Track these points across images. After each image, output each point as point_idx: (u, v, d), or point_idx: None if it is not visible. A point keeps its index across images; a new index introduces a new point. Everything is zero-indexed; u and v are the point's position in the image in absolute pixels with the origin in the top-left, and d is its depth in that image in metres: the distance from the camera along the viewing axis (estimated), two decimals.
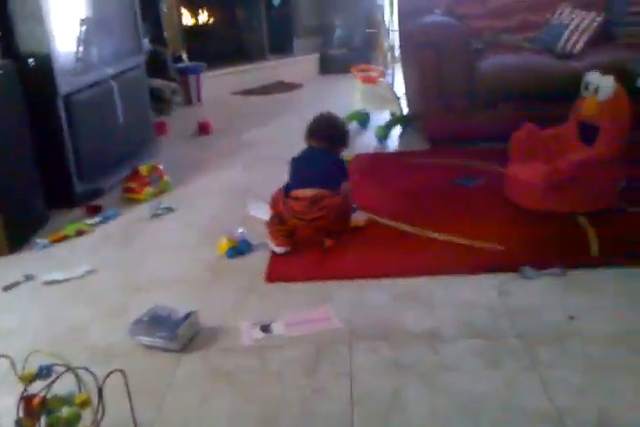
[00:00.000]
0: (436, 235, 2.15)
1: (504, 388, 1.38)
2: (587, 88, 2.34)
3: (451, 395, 1.37)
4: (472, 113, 3.05)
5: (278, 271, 2.00)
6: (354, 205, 2.27)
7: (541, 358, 1.47)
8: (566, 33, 3.21)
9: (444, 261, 1.97)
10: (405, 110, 3.61)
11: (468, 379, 1.42)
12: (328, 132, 2.24)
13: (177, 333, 1.58)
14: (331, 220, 2.06)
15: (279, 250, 2.10)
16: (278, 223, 2.10)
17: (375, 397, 1.38)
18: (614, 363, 1.44)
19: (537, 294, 1.75)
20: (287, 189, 2.10)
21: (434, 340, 1.58)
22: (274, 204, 2.12)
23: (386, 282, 1.88)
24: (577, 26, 3.22)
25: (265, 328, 1.68)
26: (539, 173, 2.23)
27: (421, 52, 3.05)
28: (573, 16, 3.28)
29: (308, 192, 2.05)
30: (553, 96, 2.89)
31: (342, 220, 2.13)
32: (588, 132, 2.34)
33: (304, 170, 2.16)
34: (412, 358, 1.51)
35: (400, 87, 3.75)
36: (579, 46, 3.17)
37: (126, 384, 1.19)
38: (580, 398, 1.33)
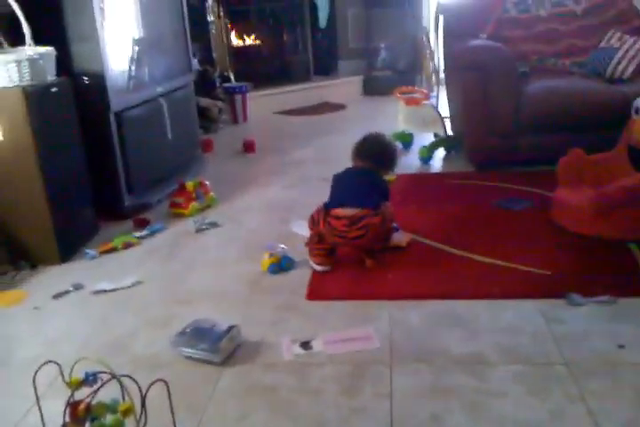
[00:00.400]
0: (480, 257, 2.13)
1: (549, 417, 1.35)
2: (637, 112, 2.30)
3: (492, 422, 1.34)
4: (517, 137, 3.02)
5: (319, 289, 2.00)
6: (395, 225, 2.26)
7: (589, 388, 1.43)
8: (616, 58, 3.17)
9: (488, 284, 1.94)
10: (449, 132, 3.60)
11: (512, 406, 1.39)
12: (376, 154, 2.23)
13: (219, 345, 1.59)
14: (370, 239, 2.06)
15: (320, 268, 2.10)
16: (318, 242, 2.11)
17: (415, 420, 1.36)
18: None
19: (584, 322, 1.71)
20: (327, 207, 2.10)
21: (476, 364, 1.55)
22: (312, 223, 2.13)
23: (427, 304, 1.86)
24: (626, 51, 3.17)
25: (305, 345, 1.68)
26: (588, 198, 2.19)
27: (467, 74, 3.05)
28: (622, 42, 3.24)
29: (348, 211, 2.05)
30: (601, 121, 2.85)
31: (382, 239, 2.12)
32: (638, 157, 2.29)
33: (345, 188, 2.17)
34: (453, 382, 1.49)
35: (444, 109, 3.75)
36: (628, 72, 3.12)
37: (169, 394, 1.21)
38: None
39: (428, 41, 4.02)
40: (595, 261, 2.05)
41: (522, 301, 1.84)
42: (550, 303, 1.81)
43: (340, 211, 2.06)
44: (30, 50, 2.21)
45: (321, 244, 2.11)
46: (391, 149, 2.28)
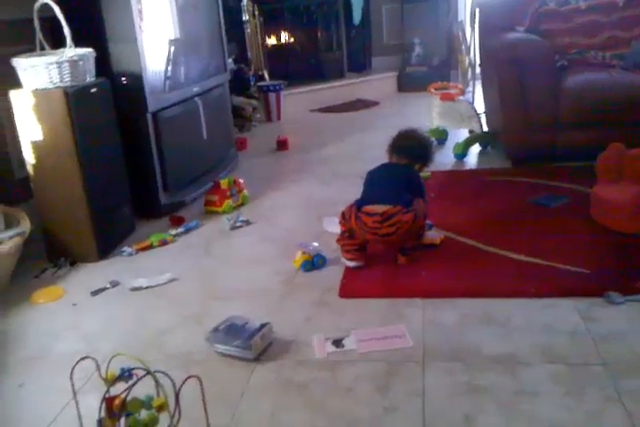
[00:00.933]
0: (515, 255, 2.09)
1: (585, 418, 1.32)
2: None
3: (528, 422, 1.32)
4: (555, 132, 2.96)
5: (351, 287, 2.00)
6: (429, 222, 2.24)
7: (627, 389, 1.39)
8: None
9: (523, 282, 1.91)
10: (485, 128, 3.55)
11: (547, 406, 1.36)
12: (411, 148, 2.22)
13: (252, 342, 1.61)
14: (401, 236, 2.04)
15: (352, 264, 2.10)
16: (349, 238, 2.11)
17: (448, 419, 1.35)
18: None
19: (623, 321, 1.66)
20: (360, 204, 2.09)
21: (511, 364, 1.53)
22: (344, 219, 2.12)
23: (461, 302, 1.84)
24: None
25: (337, 343, 1.68)
26: (628, 193, 2.13)
27: (503, 68, 2.99)
28: None
29: (379, 208, 2.03)
30: None
31: (414, 236, 2.10)
32: None
33: (378, 185, 2.16)
34: (487, 381, 1.47)
35: (480, 105, 3.70)
36: None
37: (202, 390, 1.22)
38: None
39: (464, 35, 3.96)
40: (634, 259, 1.99)
41: (558, 299, 1.80)
42: (588, 302, 1.77)
43: (371, 208, 2.05)
44: (71, 51, 2.26)
45: (352, 239, 2.10)
46: (427, 143, 2.26)
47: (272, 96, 4.73)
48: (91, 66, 2.36)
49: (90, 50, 2.35)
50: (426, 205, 2.19)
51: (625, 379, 1.42)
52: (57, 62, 2.19)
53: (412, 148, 2.22)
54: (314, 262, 2.14)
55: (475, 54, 3.85)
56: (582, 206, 2.38)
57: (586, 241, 2.17)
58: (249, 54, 4.93)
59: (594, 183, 2.36)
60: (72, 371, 1.21)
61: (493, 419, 1.34)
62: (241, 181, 2.90)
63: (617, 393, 1.38)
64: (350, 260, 2.11)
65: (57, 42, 2.39)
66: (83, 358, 1.25)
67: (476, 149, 3.51)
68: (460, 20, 5.33)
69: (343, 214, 2.12)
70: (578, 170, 2.84)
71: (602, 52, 3.28)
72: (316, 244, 2.19)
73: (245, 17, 4.88)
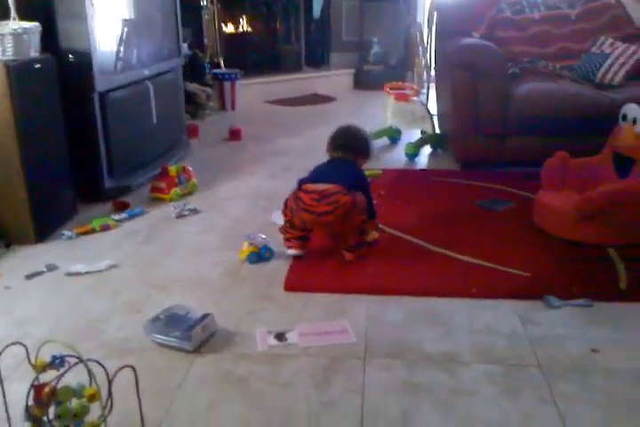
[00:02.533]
0: (460, 256, 2.12)
1: (519, 418, 1.35)
2: (624, 118, 2.31)
3: (463, 421, 1.34)
4: (504, 138, 3.02)
5: (297, 280, 1.98)
6: (379, 226, 2.26)
7: (561, 391, 1.43)
8: (606, 64, 3.17)
9: (466, 283, 1.94)
10: (437, 130, 3.60)
11: (483, 406, 1.39)
12: (351, 143, 2.23)
13: (192, 333, 1.57)
14: (339, 217, 2.02)
15: (291, 252, 2.11)
16: (290, 227, 2.11)
17: (385, 416, 1.36)
18: (637, 400, 1.40)
19: (560, 324, 1.71)
20: (301, 182, 2.10)
21: (450, 363, 1.55)
22: (285, 207, 2.12)
23: (405, 300, 1.86)
24: (617, 57, 3.18)
25: (279, 336, 1.66)
26: (570, 201, 2.20)
27: (457, 73, 3.04)
28: (614, 48, 3.25)
29: (319, 186, 2.05)
30: (588, 126, 2.86)
31: (355, 230, 2.08)
32: (622, 164, 2.30)
33: (322, 170, 2.16)
34: (426, 379, 1.48)
35: (433, 107, 3.74)
36: (618, 78, 3.13)
37: (136, 381, 1.18)
38: None
39: (421, 37, 4.00)
40: (573, 265, 2.05)
41: (499, 301, 1.84)
42: (527, 305, 1.81)
43: (310, 185, 2.06)
44: (14, 24, 2.15)
45: (293, 229, 2.10)
46: (364, 137, 2.28)
47: (227, 85, 4.66)
48: (36, 41, 2.25)
49: (36, 24, 2.24)
50: (373, 206, 2.21)
51: (559, 381, 1.46)
52: None
53: (353, 143, 2.24)
54: (260, 254, 2.11)
55: (431, 56, 3.89)
56: (526, 212, 2.44)
57: (528, 245, 2.22)
58: (205, 41, 4.83)
59: (538, 190, 2.42)
60: None
61: (430, 416, 1.35)
62: (190, 168, 2.84)
63: (551, 395, 1.41)
64: (290, 248, 2.11)
65: (0, 14, 2.27)
66: (11, 344, 1.19)
67: (427, 149, 3.55)
68: (418, 21, 5.40)
69: (285, 204, 2.12)
70: (524, 176, 2.91)
71: (553, 63, 3.37)
72: (263, 236, 2.16)
73: (203, 2, 4.78)
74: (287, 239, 2.13)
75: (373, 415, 1.36)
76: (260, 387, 1.46)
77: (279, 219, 2.36)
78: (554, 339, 1.64)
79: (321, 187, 2.04)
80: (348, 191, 2.04)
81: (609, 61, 3.18)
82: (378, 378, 1.49)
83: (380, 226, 2.31)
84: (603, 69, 3.17)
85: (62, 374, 1.13)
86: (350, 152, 2.22)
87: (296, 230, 2.10)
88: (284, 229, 2.14)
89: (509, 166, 3.07)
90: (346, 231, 2.08)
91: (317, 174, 2.14)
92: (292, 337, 1.66)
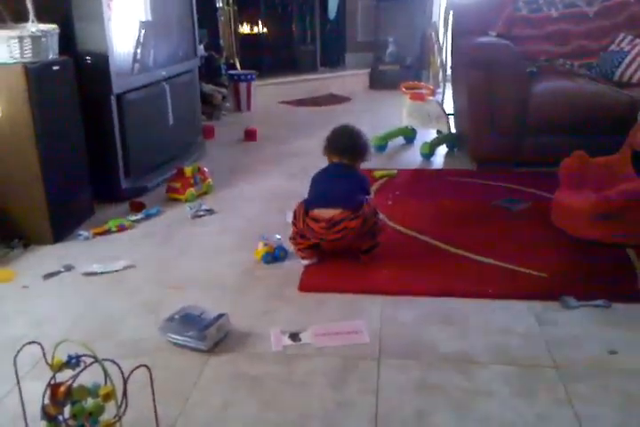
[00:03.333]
0: (476, 256, 2.11)
1: (535, 419, 1.33)
2: None
3: (478, 421, 1.33)
4: (521, 137, 3.00)
5: (311, 281, 1.98)
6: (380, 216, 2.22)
7: (577, 392, 1.41)
8: (625, 61, 3.14)
9: (482, 283, 1.93)
10: (453, 129, 3.58)
11: (498, 406, 1.37)
12: (349, 147, 2.17)
13: (206, 333, 1.58)
14: (349, 241, 2.03)
15: (306, 262, 2.09)
16: (301, 237, 2.09)
17: (400, 416, 1.35)
18: None
19: (577, 325, 1.69)
20: (308, 206, 2.06)
21: (465, 363, 1.54)
22: (295, 219, 2.09)
23: (420, 300, 1.85)
24: (636, 55, 3.14)
25: (294, 336, 1.66)
26: (588, 201, 2.17)
27: (473, 71, 3.02)
28: (633, 45, 3.20)
29: (326, 213, 2.00)
30: (606, 125, 2.83)
31: (367, 238, 2.07)
32: None
33: (325, 187, 2.11)
34: (440, 379, 1.47)
35: (449, 106, 3.72)
36: (637, 76, 3.09)
37: (151, 380, 1.19)
38: None
39: (437, 37, 3.99)
40: (591, 265, 2.03)
41: (515, 301, 1.82)
42: (544, 305, 1.79)
43: (317, 213, 2.02)
44: (33, 26, 2.18)
45: (304, 239, 2.09)
46: (362, 140, 2.21)
47: (243, 86, 4.68)
48: (54, 43, 2.27)
49: (54, 26, 2.27)
50: (374, 203, 2.16)
51: (576, 382, 1.45)
52: (18, 37, 2.11)
53: (349, 146, 2.17)
54: (275, 255, 2.11)
55: (447, 56, 3.87)
56: (543, 211, 2.41)
57: (545, 245, 2.20)
58: (221, 42, 4.86)
59: (556, 189, 2.40)
60: (16, 356, 1.16)
61: (445, 417, 1.34)
62: (206, 169, 2.86)
63: (567, 396, 1.40)
64: (304, 258, 2.10)
65: (19, 16, 2.30)
66: (28, 343, 1.20)
67: (443, 149, 3.53)
68: (434, 21, 5.38)
69: (294, 214, 2.10)
70: (541, 175, 2.88)
71: (571, 61, 3.34)
72: (278, 236, 2.17)
73: (219, 4, 4.81)
74: (299, 249, 2.10)
75: (388, 416, 1.35)
76: (274, 387, 1.46)
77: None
78: (571, 340, 1.62)
79: (328, 214, 2.00)
80: (356, 212, 2.00)
81: (628, 59, 3.14)
82: (392, 378, 1.48)
83: (393, 224, 2.28)
84: (622, 67, 3.14)
85: (78, 374, 1.14)
86: (351, 157, 2.16)
87: (307, 240, 2.09)
88: (294, 240, 2.12)
89: (526, 166, 3.04)
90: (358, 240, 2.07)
91: (321, 194, 2.08)
92: (306, 337, 1.66)
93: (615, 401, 1.38)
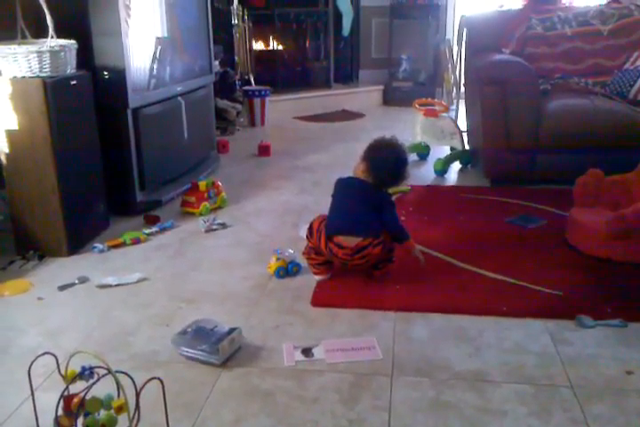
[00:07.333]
0: (490, 274, 2.10)
1: None
2: None
3: None
4: (535, 154, 2.99)
5: (324, 296, 1.98)
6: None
7: (593, 413, 1.39)
8: None
9: (496, 300, 1.91)
10: (466, 146, 3.58)
11: (512, 426, 1.36)
12: (392, 176, 2.05)
13: (219, 347, 1.57)
14: (371, 264, 2.05)
15: (320, 278, 2.09)
16: (315, 254, 2.09)
17: None
18: None
19: (593, 345, 1.67)
20: (330, 232, 2.02)
21: (479, 382, 1.52)
22: (310, 234, 2.08)
23: (433, 317, 1.83)
24: None
25: (306, 352, 1.66)
26: (604, 219, 2.15)
27: (487, 88, 3.02)
28: None
29: (352, 241, 1.99)
30: (621, 143, 2.82)
31: (384, 258, 2.07)
32: None
33: (348, 208, 2.05)
34: (454, 397, 1.46)
35: (463, 123, 3.73)
36: None
37: (164, 393, 1.19)
38: None
39: (451, 54, 4.00)
40: (607, 284, 2.01)
41: (530, 320, 1.80)
42: (559, 324, 1.77)
43: (342, 240, 2.00)
44: (52, 42, 2.22)
45: (318, 255, 2.08)
46: (403, 169, 2.07)
47: (257, 101, 4.72)
48: (72, 58, 2.31)
49: (72, 41, 2.31)
50: (403, 229, 2.09)
51: (591, 403, 1.43)
52: (37, 51, 2.15)
53: (393, 177, 2.05)
54: (288, 269, 2.11)
55: (460, 73, 3.89)
56: (558, 229, 2.40)
57: (560, 263, 2.18)
58: (236, 58, 4.91)
59: (571, 207, 2.38)
60: (30, 367, 1.17)
61: None
62: (220, 183, 2.87)
63: (583, 416, 1.38)
64: (317, 274, 2.10)
65: (39, 31, 2.34)
66: (43, 354, 1.21)
67: (456, 166, 3.53)
68: (447, 38, 5.40)
69: (311, 228, 2.09)
70: (555, 193, 2.87)
71: (585, 79, 3.34)
72: (291, 250, 2.17)
73: (234, 21, 4.87)
74: (313, 265, 2.10)
75: None
76: (286, 402, 1.45)
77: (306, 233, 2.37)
78: (587, 359, 1.60)
79: (352, 242, 1.98)
80: (378, 238, 1.99)
81: None
82: (405, 396, 1.47)
83: None
84: (637, 85, 3.13)
85: (91, 385, 1.14)
86: (381, 181, 2.05)
87: (321, 256, 2.08)
88: (308, 256, 2.11)
89: (540, 183, 3.03)
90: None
91: (345, 220, 2.02)
92: (318, 353, 1.65)
93: (632, 422, 1.36)
